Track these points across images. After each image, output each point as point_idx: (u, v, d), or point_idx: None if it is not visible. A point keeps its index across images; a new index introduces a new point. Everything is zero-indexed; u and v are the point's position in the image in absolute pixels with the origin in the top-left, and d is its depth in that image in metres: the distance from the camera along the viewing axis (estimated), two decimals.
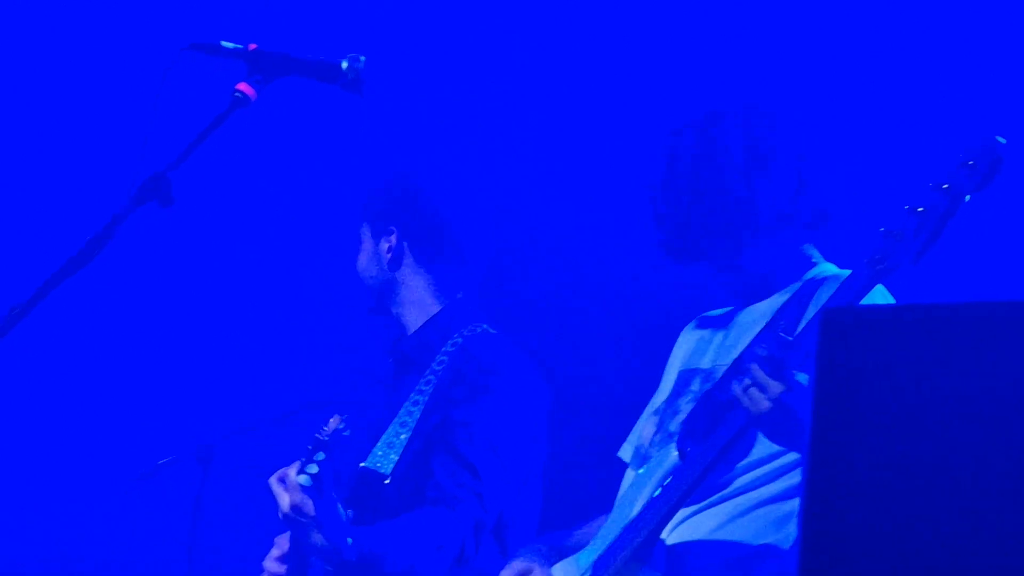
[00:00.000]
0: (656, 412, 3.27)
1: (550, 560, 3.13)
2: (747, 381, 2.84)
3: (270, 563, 3.81)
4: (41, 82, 6.85)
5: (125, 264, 5.53)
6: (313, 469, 3.36)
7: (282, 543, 3.82)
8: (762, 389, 2.81)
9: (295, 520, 3.42)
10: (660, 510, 2.98)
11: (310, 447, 3.40)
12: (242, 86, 2.86)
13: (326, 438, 3.39)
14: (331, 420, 3.43)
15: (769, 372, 2.79)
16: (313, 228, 6.25)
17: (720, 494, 3.07)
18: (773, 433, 2.95)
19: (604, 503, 3.29)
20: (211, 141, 2.79)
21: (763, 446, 3.04)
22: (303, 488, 3.36)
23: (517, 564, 3.15)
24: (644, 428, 3.28)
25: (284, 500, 3.41)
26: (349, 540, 3.44)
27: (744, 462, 3.07)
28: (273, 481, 3.47)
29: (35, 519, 6.65)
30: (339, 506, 3.46)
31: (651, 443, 3.19)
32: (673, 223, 3.26)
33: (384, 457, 3.69)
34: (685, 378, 3.27)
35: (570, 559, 3.12)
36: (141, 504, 6.34)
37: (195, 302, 6.58)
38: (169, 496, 5.80)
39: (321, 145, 6.26)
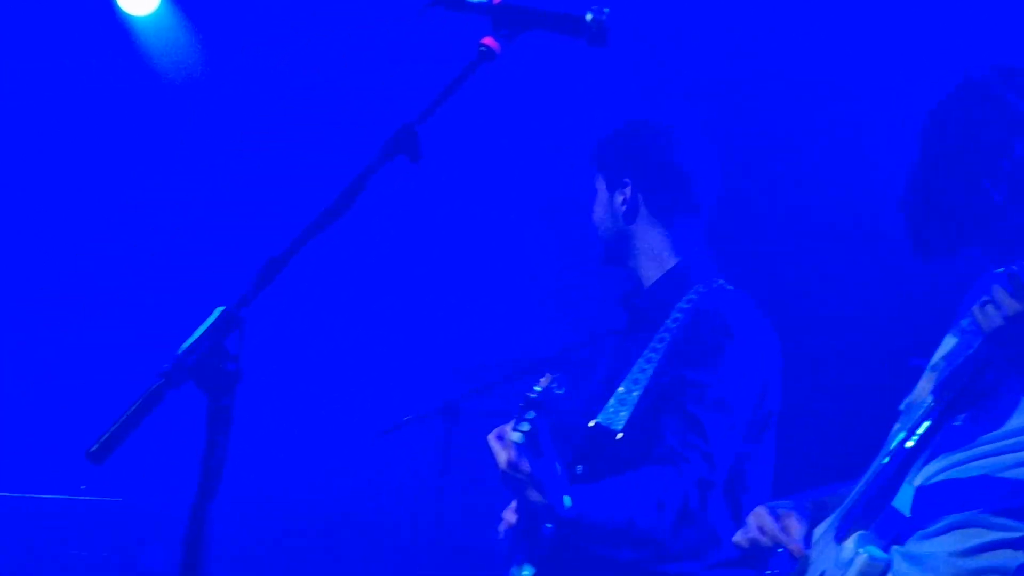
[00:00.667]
0: (933, 368, 3.13)
1: (811, 514, 3.04)
2: (985, 298, 2.72)
3: (509, 514, 3.81)
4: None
5: (368, 222, 5.64)
6: (525, 427, 3.37)
7: None
8: (997, 306, 2.68)
9: (512, 477, 3.40)
10: (891, 467, 2.86)
11: (522, 405, 3.39)
12: (487, 40, 2.84)
13: (538, 396, 3.38)
14: (542, 379, 3.42)
15: (1011, 291, 2.65)
16: (545, 180, 6.26)
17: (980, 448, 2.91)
18: (1005, 354, 2.78)
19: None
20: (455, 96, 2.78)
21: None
22: (517, 446, 3.35)
23: (781, 510, 3.05)
24: (921, 383, 3.15)
25: (501, 457, 3.42)
26: (566, 498, 3.41)
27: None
28: (491, 438, 3.49)
29: (294, 472, 6.83)
30: (556, 464, 3.43)
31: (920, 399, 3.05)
32: (947, 202, 3.06)
33: (615, 414, 3.66)
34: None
35: (828, 519, 3.02)
36: (391, 459, 6.46)
37: (437, 263, 6.66)
38: (417, 451, 5.89)
39: (555, 95, 6.26)
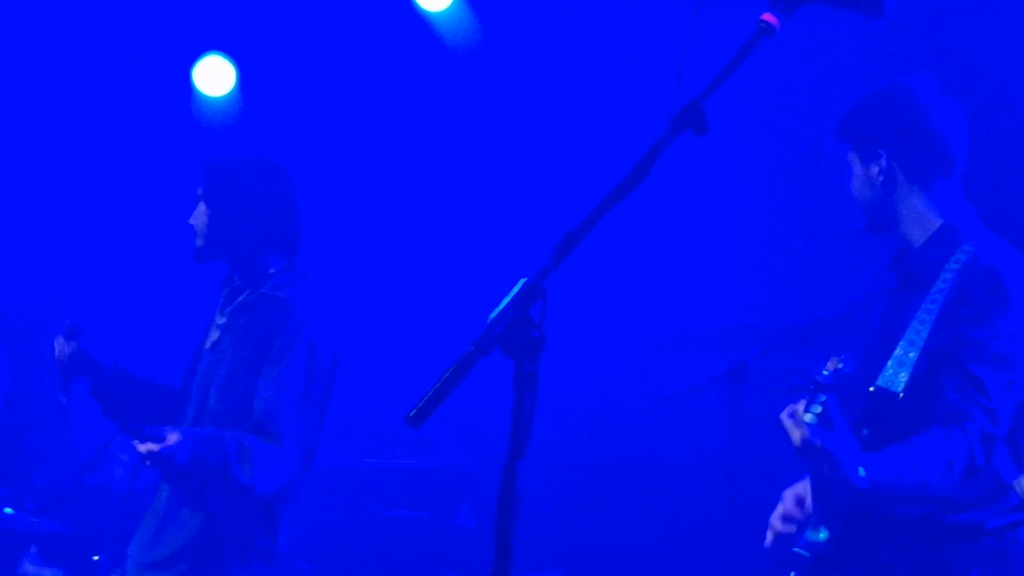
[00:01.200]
0: None
1: None
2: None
3: (789, 493, 3.87)
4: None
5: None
6: (817, 409, 3.42)
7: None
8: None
9: (807, 453, 3.44)
10: None
11: (812, 387, 3.44)
12: (767, 16, 2.86)
13: (827, 379, 3.43)
14: (830, 361, 3.46)
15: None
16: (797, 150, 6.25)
17: None
18: None
19: None
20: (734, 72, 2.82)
21: None
22: (810, 425, 3.39)
23: None
24: None
25: (795, 435, 3.45)
26: (860, 469, 3.44)
27: None
28: (784, 417, 3.52)
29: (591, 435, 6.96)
30: (849, 437, 3.46)
31: None
32: None
33: (895, 376, 3.66)
34: None
35: None
36: (683, 420, 6.52)
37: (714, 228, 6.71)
38: (707, 413, 5.94)
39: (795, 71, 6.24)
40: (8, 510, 6.00)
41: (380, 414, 6.78)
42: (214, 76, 7.48)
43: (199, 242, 4.65)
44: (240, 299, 4.60)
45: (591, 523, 6.87)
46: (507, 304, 2.60)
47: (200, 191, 4.70)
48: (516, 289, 2.61)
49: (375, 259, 7.55)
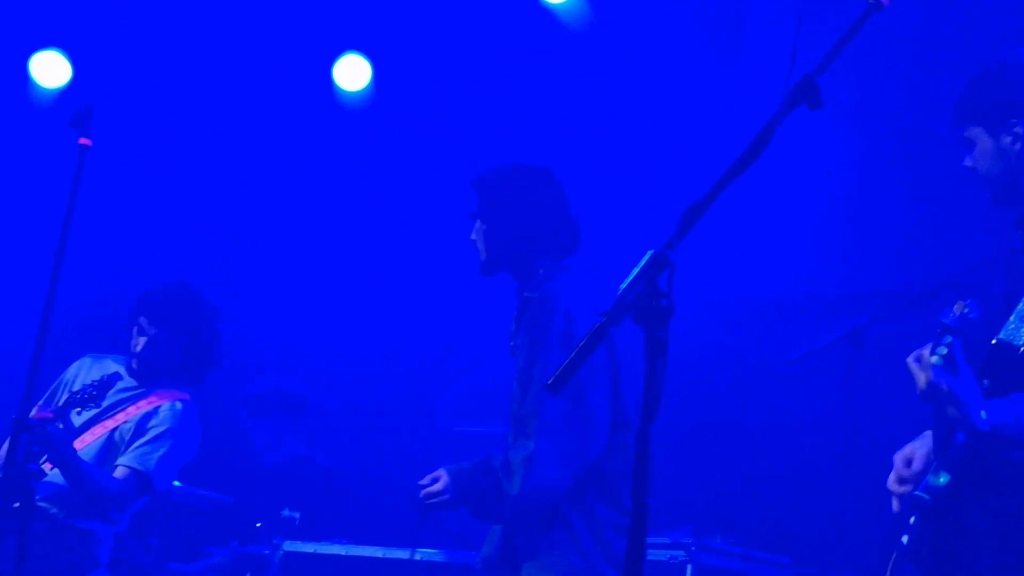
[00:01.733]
0: None
1: None
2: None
3: (898, 456, 3.91)
4: None
5: None
6: (943, 351, 3.45)
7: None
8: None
9: (931, 396, 3.49)
10: None
11: (939, 330, 3.48)
12: None
13: (953, 321, 3.47)
14: (956, 305, 3.50)
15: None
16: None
17: None
18: None
19: None
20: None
21: None
22: (935, 367, 3.43)
23: None
24: None
25: (920, 378, 3.49)
26: (982, 412, 3.47)
27: None
28: (910, 361, 3.54)
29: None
30: (973, 381, 3.50)
31: None
32: None
33: (1016, 330, 3.67)
34: None
35: None
36: (801, 384, 6.56)
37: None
38: (825, 377, 5.98)
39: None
40: (176, 483, 6.27)
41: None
42: (352, 73, 7.78)
43: (481, 257, 4.81)
44: (518, 306, 4.72)
45: (717, 484, 6.92)
46: (636, 274, 2.70)
47: (475, 210, 4.86)
48: (644, 260, 2.72)
49: None
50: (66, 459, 5.08)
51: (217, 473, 6.90)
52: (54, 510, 5.30)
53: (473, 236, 4.84)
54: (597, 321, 2.74)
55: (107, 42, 7.61)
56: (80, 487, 5.18)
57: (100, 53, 7.64)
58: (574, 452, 4.40)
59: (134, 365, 5.57)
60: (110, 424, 5.44)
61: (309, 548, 6.00)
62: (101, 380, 5.18)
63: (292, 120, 7.91)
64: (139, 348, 5.51)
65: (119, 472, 5.34)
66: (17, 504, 4.41)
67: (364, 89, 7.81)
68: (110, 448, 5.43)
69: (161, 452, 5.38)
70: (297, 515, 6.41)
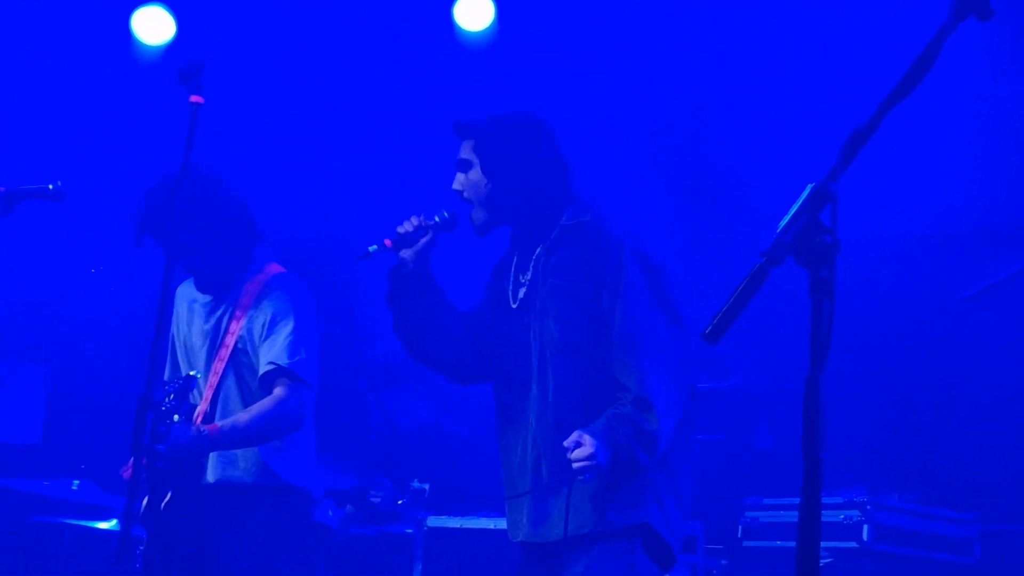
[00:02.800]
0: None
1: None
2: None
3: None
4: None
5: None
6: None
7: None
8: None
9: None
10: None
11: None
12: None
13: None
14: None
15: None
16: None
17: None
18: None
19: None
20: None
21: None
22: None
23: None
24: None
25: None
26: None
27: None
28: None
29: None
30: None
31: None
32: None
33: None
34: None
35: None
36: (976, 323, 6.44)
37: None
38: (1003, 316, 5.86)
39: None
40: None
41: None
42: (475, 12, 7.75)
43: (480, 214, 4.51)
44: (543, 242, 4.45)
45: (891, 436, 6.81)
46: (796, 210, 2.57)
47: (468, 157, 4.54)
48: (804, 194, 2.61)
49: None
50: (210, 449, 4.90)
51: (339, 447, 6.91)
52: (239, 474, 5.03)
53: (461, 189, 4.53)
54: (756, 262, 2.65)
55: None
56: (250, 443, 4.95)
57: (203, 8, 7.71)
58: (684, 380, 4.32)
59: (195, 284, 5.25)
60: (224, 355, 5.11)
61: (455, 523, 6.00)
62: (177, 387, 4.79)
63: (410, 69, 7.91)
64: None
65: (271, 396, 4.97)
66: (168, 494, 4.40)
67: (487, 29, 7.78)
68: (241, 375, 5.11)
69: (286, 339, 5.00)
70: (427, 487, 6.42)
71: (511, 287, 4.56)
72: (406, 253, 4.60)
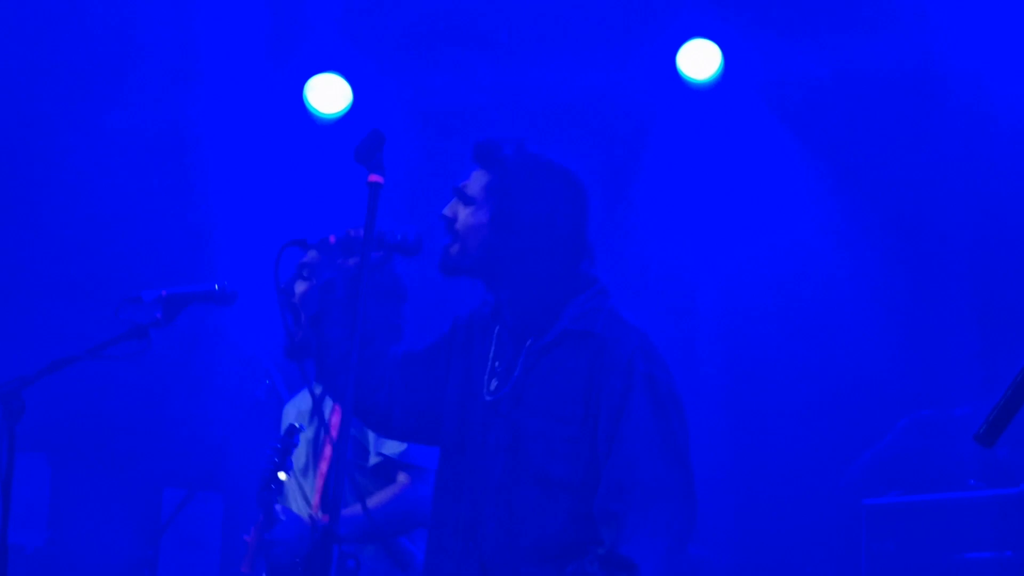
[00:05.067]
0: None
1: None
2: None
3: None
4: None
5: None
6: None
7: None
8: None
9: None
10: None
11: None
12: None
13: None
14: None
15: None
16: None
17: None
18: None
19: None
20: None
21: None
22: None
23: None
24: None
25: None
26: None
27: None
28: None
29: None
30: None
31: None
32: None
33: None
34: None
35: None
36: None
37: None
38: None
39: None
40: None
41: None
42: None
43: (456, 248, 3.90)
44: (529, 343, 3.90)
45: None
46: None
47: (476, 194, 3.91)
48: None
49: None
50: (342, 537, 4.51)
51: None
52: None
53: (453, 219, 3.87)
54: None
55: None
56: (376, 537, 4.65)
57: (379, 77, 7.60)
58: (681, 538, 3.61)
59: None
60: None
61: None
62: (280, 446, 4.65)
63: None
64: None
65: (390, 489, 4.70)
66: None
67: None
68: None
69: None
70: None
71: (486, 372, 3.90)
72: (349, 263, 3.86)
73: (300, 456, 4.87)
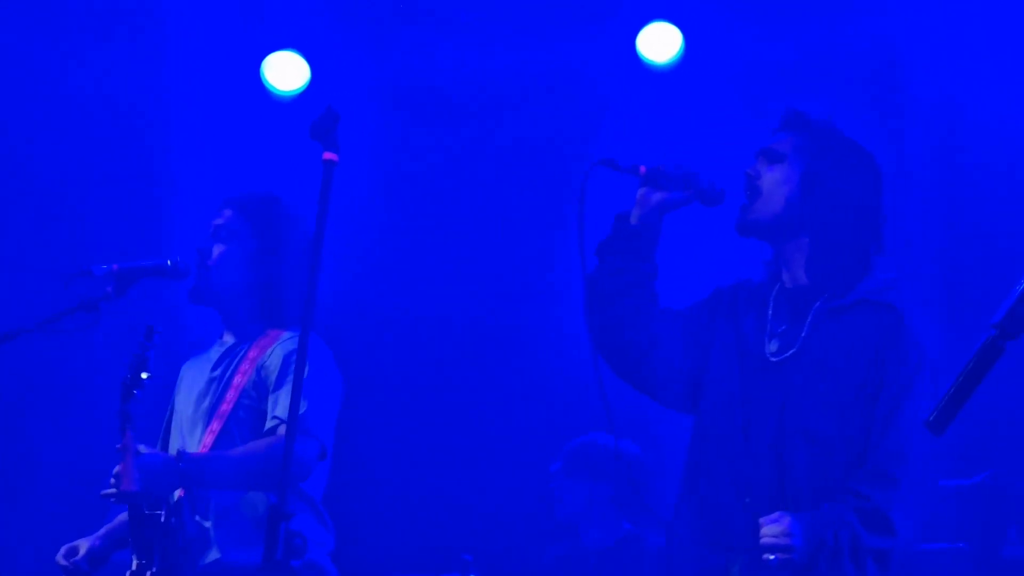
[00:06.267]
0: None
1: None
2: None
3: None
4: None
5: None
6: None
7: None
8: None
9: None
10: None
11: None
12: None
13: None
14: None
15: None
16: None
17: None
18: None
19: None
20: None
21: None
22: None
23: None
24: None
25: None
26: None
27: None
28: None
29: None
30: None
31: None
32: None
33: None
34: None
35: None
36: None
37: None
38: None
39: None
40: None
41: None
42: None
43: (762, 213, 4.04)
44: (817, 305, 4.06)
45: None
46: None
47: (785, 151, 4.06)
48: None
49: None
50: (207, 480, 4.53)
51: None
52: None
53: (757, 177, 4.03)
54: (987, 335, 2.39)
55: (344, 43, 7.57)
56: (247, 482, 4.60)
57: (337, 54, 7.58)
58: (921, 518, 3.92)
59: None
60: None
61: None
62: None
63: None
64: None
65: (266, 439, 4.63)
66: None
67: None
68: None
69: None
70: None
71: (765, 333, 4.04)
72: (652, 196, 4.12)
73: (187, 405, 4.81)
